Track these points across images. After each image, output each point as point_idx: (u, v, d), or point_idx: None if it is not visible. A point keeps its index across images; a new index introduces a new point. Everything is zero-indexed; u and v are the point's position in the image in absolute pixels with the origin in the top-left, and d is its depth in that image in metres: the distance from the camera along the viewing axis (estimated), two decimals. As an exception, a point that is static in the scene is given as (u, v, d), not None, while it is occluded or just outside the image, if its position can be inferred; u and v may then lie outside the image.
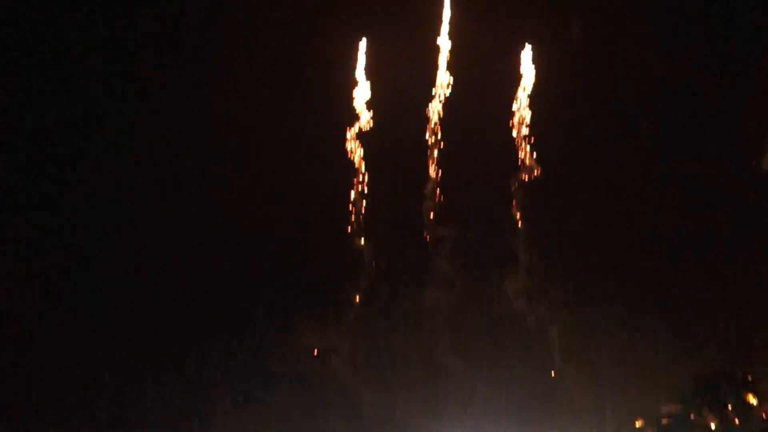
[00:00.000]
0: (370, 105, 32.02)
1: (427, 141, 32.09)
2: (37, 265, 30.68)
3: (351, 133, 31.85)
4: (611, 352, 28.94)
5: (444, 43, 32.09)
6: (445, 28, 32.19)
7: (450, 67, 32.09)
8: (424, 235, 31.44)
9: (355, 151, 31.86)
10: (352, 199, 32.01)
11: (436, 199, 31.74)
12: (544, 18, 31.60)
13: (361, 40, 32.35)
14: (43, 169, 31.48)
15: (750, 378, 27.47)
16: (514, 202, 31.45)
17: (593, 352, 29.44)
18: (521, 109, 31.49)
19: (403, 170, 32.29)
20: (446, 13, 32.16)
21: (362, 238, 31.84)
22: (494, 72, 31.52)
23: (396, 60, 31.27)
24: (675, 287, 29.16)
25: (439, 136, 32.05)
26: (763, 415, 26.82)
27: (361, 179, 32.12)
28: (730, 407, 26.98)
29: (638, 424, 31.56)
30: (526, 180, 31.18)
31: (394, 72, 31.32)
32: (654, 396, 28.36)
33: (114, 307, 30.43)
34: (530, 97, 31.57)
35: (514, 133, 31.52)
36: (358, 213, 32.08)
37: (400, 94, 31.53)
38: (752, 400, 26.98)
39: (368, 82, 32.10)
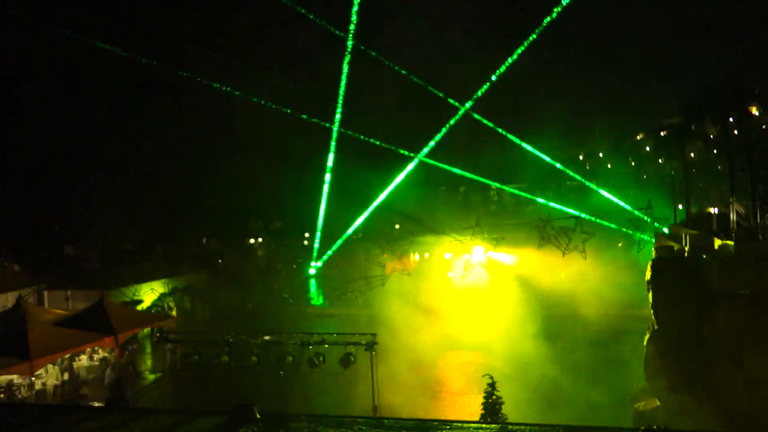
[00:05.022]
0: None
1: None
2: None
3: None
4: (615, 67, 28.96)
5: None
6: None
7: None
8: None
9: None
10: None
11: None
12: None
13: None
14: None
15: (756, 91, 27.69)
16: None
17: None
18: None
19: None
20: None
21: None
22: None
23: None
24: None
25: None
26: (763, 126, 27.53)
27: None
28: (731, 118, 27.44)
29: (639, 136, 32.73)
30: None
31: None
32: (660, 110, 28.95)
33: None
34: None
35: None
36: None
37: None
38: (755, 111, 27.53)
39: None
